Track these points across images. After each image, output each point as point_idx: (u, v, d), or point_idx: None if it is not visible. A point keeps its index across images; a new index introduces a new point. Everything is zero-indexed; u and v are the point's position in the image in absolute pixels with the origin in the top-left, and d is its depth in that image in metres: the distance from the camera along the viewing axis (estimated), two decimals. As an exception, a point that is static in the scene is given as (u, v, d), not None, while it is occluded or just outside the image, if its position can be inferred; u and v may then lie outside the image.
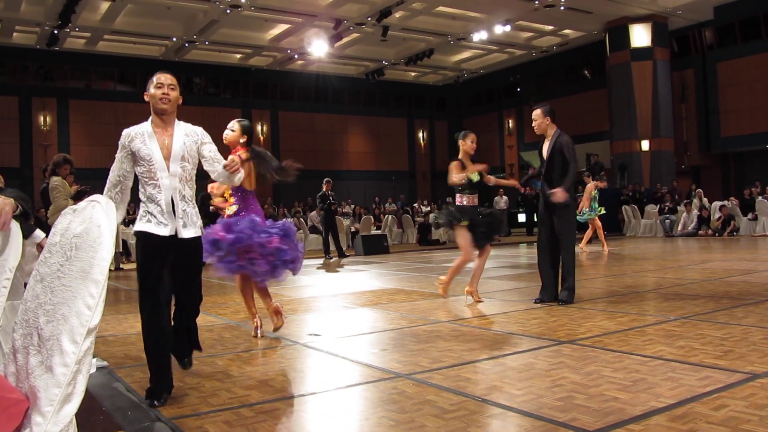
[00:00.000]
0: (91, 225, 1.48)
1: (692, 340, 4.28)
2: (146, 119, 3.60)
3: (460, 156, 6.50)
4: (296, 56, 24.19)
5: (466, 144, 6.48)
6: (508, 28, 21.28)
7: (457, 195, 6.48)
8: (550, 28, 22.87)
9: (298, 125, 27.37)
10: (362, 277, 10.14)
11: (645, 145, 21.48)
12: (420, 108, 31.04)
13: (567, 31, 23.36)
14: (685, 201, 18.41)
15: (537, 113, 6.30)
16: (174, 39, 21.63)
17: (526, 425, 2.81)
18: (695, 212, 17.42)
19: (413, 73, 28.80)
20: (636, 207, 19.19)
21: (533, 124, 6.40)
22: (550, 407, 3.00)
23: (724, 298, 6.08)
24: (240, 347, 4.74)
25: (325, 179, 14.53)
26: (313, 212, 17.75)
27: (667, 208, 18.37)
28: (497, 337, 4.77)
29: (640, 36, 21.34)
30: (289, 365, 4.18)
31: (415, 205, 23.88)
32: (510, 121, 29.16)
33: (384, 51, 24.36)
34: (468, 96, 31.12)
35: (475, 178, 6.37)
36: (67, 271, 1.47)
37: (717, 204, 17.49)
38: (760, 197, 16.86)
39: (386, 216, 20.69)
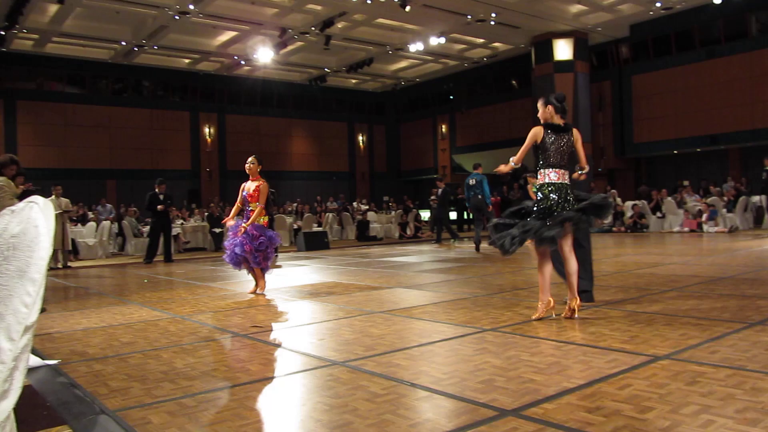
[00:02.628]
0: (29, 225, 1.45)
1: (602, 327, 4.44)
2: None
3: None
4: (243, 62, 23.88)
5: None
6: (442, 40, 21.53)
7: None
8: (481, 40, 23.22)
9: (245, 128, 27.03)
10: (303, 271, 10.09)
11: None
12: (360, 113, 31.09)
13: (496, 44, 23.77)
14: (601, 200, 18.95)
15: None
16: (123, 43, 21.02)
17: (449, 406, 2.87)
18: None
19: (354, 80, 28.81)
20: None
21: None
22: (472, 389, 3.07)
23: (632, 289, 6.32)
24: (185, 340, 4.67)
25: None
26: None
27: (585, 207, 18.88)
28: (426, 326, 4.84)
29: (563, 50, 21.90)
30: (232, 356, 4.14)
31: (354, 203, 23.91)
32: (443, 126, 29.50)
33: (326, 59, 24.28)
34: (405, 102, 31.36)
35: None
36: (4, 270, 1.43)
37: (629, 203, 18.15)
38: (669, 197, 17.57)
39: (327, 214, 20.64)
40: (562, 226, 4.74)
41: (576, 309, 4.83)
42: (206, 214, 17.73)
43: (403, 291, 6.99)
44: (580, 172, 5.12)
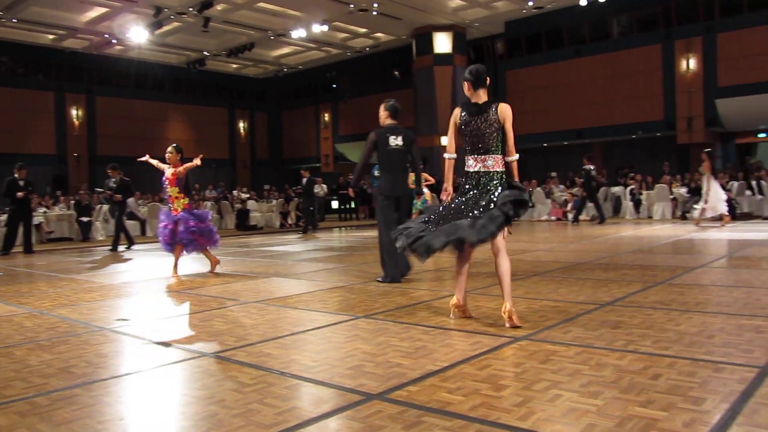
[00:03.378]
0: None
1: (469, 311, 4.62)
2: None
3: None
4: (114, 41, 22.59)
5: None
6: (325, 28, 21.47)
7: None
8: (364, 30, 23.39)
9: (117, 111, 25.64)
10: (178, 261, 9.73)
11: (444, 140, 22.74)
12: (241, 99, 30.40)
13: (379, 35, 24.02)
14: (477, 190, 19.73)
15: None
16: (-25, 14, 19.27)
17: (318, 393, 2.90)
18: (485, 200, 18.77)
19: (234, 65, 28.10)
20: (436, 195, 20.26)
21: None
22: (341, 375, 3.12)
23: (500, 275, 6.63)
24: (41, 336, 4.39)
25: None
26: (131, 198, 16.29)
27: (462, 196, 19.59)
28: (301, 315, 4.85)
29: (443, 43, 22.51)
30: (94, 351, 3.94)
31: (234, 192, 23.38)
32: (326, 114, 29.48)
33: (205, 42, 23.49)
34: (287, 90, 31.03)
35: None
36: None
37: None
38: (538, 188, 18.56)
39: (205, 202, 20.04)
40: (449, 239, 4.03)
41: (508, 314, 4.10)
42: (73, 202, 16.66)
43: (280, 280, 6.95)
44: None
